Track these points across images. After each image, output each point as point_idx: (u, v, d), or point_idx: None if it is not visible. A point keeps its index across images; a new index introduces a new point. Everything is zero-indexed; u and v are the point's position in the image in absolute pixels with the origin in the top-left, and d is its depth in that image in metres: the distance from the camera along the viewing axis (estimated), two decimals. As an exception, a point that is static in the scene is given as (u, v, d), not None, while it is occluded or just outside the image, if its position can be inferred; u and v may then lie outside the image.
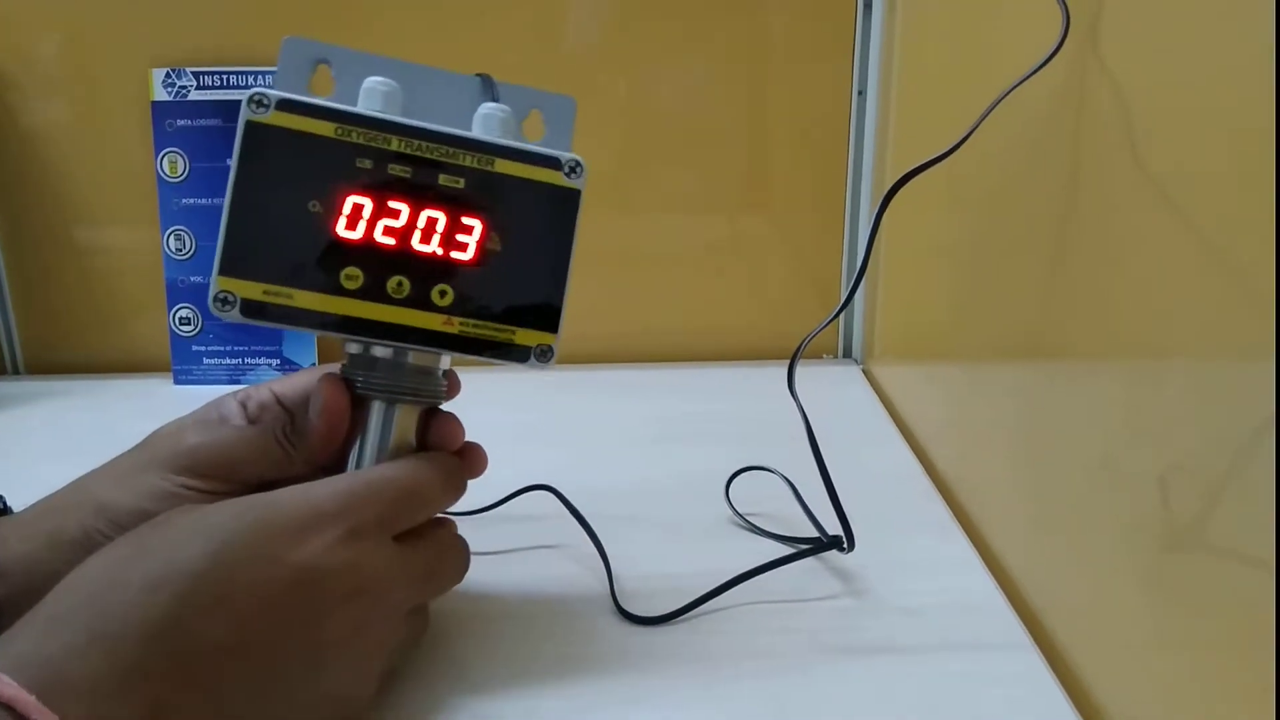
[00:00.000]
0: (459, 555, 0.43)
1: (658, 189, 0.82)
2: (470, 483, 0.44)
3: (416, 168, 0.41)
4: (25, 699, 0.28)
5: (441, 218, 0.41)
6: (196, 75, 0.76)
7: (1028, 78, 0.43)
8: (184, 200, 0.78)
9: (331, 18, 0.76)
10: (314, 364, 0.81)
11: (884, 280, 0.79)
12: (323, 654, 0.36)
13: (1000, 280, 0.53)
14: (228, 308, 0.40)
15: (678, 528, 0.55)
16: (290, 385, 0.45)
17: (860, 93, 0.79)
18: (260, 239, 0.40)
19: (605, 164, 0.80)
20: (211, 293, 0.40)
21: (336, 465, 0.42)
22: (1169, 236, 0.36)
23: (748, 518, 0.56)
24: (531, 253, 0.42)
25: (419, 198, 0.41)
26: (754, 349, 0.84)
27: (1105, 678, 0.41)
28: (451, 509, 0.42)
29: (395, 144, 0.40)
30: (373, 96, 0.41)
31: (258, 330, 0.78)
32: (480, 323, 0.42)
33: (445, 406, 0.44)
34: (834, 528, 0.48)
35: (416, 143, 0.40)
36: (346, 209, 0.40)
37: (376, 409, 0.42)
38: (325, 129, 0.40)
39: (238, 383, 0.79)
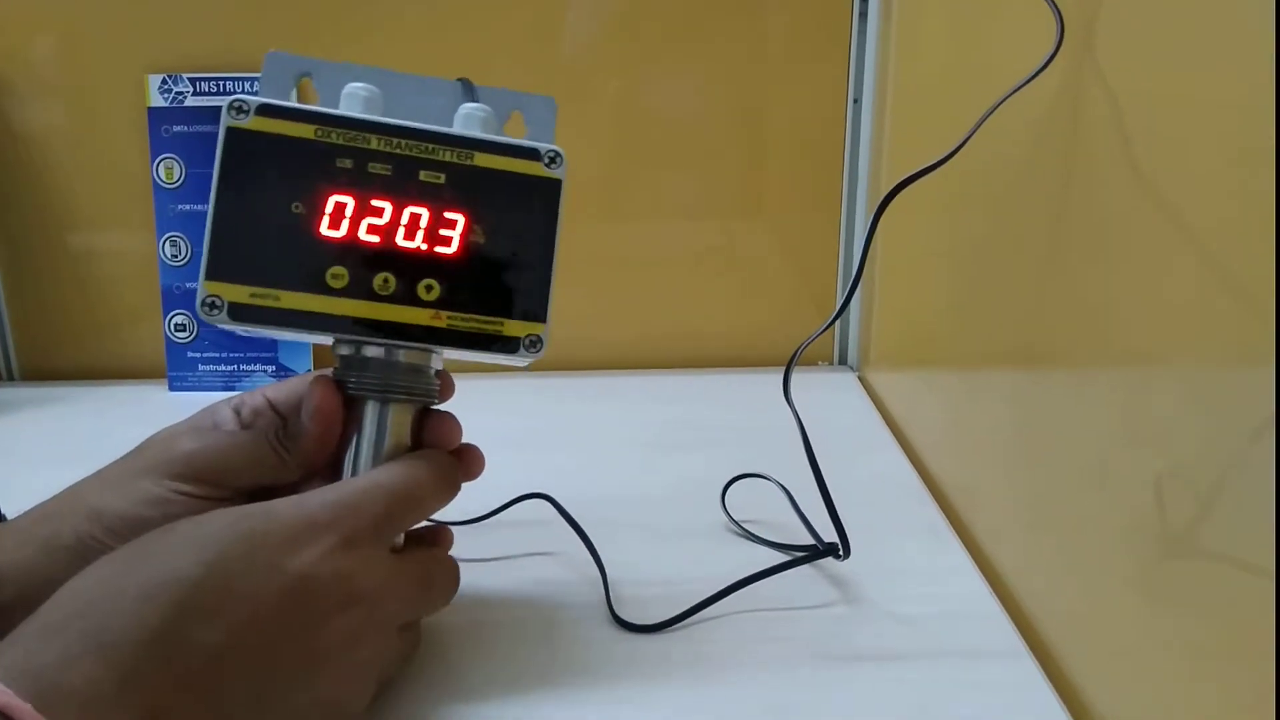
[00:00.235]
0: (450, 573, 0.43)
1: (653, 194, 0.82)
2: (466, 489, 0.43)
3: (397, 165, 0.41)
4: (22, 707, 0.28)
5: (424, 213, 0.41)
6: (193, 81, 0.76)
7: (1022, 85, 0.43)
8: (180, 206, 0.78)
9: (327, 23, 0.76)
10: (309, 370, 0.81)
11: (879, 287, 0.79)
12: (318, 663, 0.36)
13: (996, 286, 0.53)
14: (215, 312, 0.40)
15: (673, 535, 0.55)
16: (284, 390, 0.45)
17: (856, 100, 0.79)
18: (245, 242, 0.40)
19: (600, 169, 0.80)
20: (199, 297, 0.40)
21: (332, 470, 0.42)
22: (1164, 242, 0.36)
23: (743, 525, 0.56)
24: (515, 244, 0.42)
25: (401, 194, 0.41)
26: (749, 356, 0.84)
27: (1100, 684, 0.41)
28: (447, 517, 0.42)
29: (375, 143, 0.41)
30: (353, 101, 0.41)
31: (253, 337, 0.78)
32: (468, 315, 0.42)
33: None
34: (830, 535, 0.48)
35: (396, 140, 0.41)
36: (329, 209, 0.40)
37: (370, 409, 0.42)
38: (305, 131, 0.40)
39: (233, 389, 0.79)
